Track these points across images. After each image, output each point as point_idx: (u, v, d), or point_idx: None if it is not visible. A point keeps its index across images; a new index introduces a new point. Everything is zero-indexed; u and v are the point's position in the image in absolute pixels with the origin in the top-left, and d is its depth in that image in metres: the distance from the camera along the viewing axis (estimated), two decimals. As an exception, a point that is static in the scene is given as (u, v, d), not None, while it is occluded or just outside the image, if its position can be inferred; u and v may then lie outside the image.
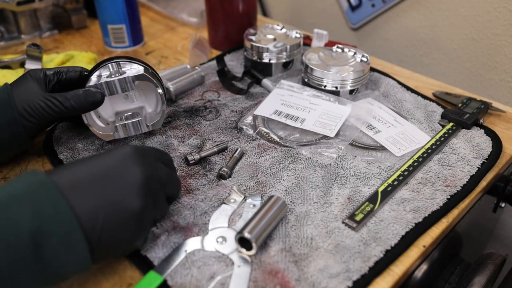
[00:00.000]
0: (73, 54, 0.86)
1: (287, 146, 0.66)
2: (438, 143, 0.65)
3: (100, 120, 0.64)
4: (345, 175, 0.61)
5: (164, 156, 0.52)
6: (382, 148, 0.66)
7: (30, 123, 0.58)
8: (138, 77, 0.63)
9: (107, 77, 0.62)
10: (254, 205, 0.56)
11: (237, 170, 0.62)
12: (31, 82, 0.60)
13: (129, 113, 0.66)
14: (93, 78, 0.62)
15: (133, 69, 0.63)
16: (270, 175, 0.61)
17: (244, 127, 0.69)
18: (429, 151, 0.64)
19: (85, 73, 0.64)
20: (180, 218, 0.54)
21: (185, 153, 0.65)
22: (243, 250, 0.49)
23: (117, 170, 0.45)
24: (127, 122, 0.65)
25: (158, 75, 0.67)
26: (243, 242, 0.49)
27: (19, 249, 0.38)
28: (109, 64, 0.63)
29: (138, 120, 0.65)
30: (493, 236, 0.98)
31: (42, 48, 0.82)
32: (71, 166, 0.46)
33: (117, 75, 0.62)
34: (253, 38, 0.83)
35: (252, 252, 0.49)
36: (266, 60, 0.82)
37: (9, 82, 0.78)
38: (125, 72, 0.63)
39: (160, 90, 0.64)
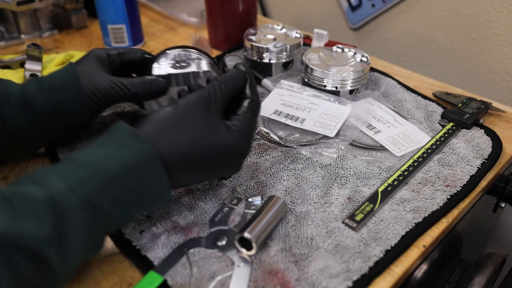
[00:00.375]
0: (73, 54, 0.86)
1: (287, 146, 0.66)
2: (438, 143, 0.65)
3: (156, 105, 0.66)
4: (345, 175, 0.61)
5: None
6: (382, 148, 0.66)
7: (95, 105, 0.58)
8: (205, 73, 0.63)
9: (171, 66, 0.62)
10: (254, 205, 0.56)
11: (237, 170, 0.62)
12: (96, 63, 0.60)
13: None
14: (159, 65, 0.62)
15: (198, 62, 0.63)
16: (270, 175, 0.61)
17: (244, 127, 0.69)
18: (429, 151, 0.64)
19: (146, 55, 0.65)
20: (180, 218, 0.55)
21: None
22: (243, 250, 0.49)
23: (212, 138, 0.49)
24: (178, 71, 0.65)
25: (217, 64, 0.67)
26: (243, 242, 0.49)
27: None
28: (175, 53, 0.63)
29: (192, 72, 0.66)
30: (493, 236, 0.98)
31: (42, 48, 0.82)
32: (170, 132, 0.47)
33: (182, 64, 0.63)
34: (253, 38, 0.83)
35: (252, 252, 0.49)
36: (266, 60, 0.82)
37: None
38: (190, 65, 0.63)
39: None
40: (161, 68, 0.63)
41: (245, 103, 0.53)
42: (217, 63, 0.66)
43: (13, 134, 0.56)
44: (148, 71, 0.63)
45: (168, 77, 0.62)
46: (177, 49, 0.64)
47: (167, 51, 0.64)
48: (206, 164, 0.49)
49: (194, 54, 0.64)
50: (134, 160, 0.44)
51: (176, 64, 0.63)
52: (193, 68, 0.63)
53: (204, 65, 0.63)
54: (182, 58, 0.63)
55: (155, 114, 0.48)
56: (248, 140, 0.52)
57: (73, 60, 0.85)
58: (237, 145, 0.50)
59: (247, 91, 0.54)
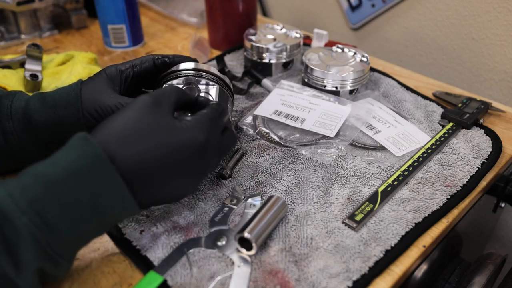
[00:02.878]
0: (73, 54, 0.86)
1: (287, 146, 0.66)
2: (438, 143, 0.65)
3: None
4: (345, 175, 0.61)
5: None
6: (382, 148, 0.66)
7: (97, 122, 0.57)
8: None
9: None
10: (254, 205, 0.56)
11: (237, 170, 0.62)
12: (105, 81, 0.59)
13: None
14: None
15: (207, 90, 0.60)
16: (270, 175, 0.61)
17: (244, 127, 0.69)
18: (429, 151, 0.64)
19: (158, 58, 0.62)
20: (180, 218, 0.55)
21: (185, 153, 0.64)
22: (243, 250, 0.49)
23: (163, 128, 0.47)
24: None
25: (231, 90, 0.64)
26: (243, 242, 0.49)
27: (80, 214, 0.42)
28: (187, 74, 0.60)
29: None
30: (493, 236, 0.98)
31: (42, 48, 0.82)
32: (117, 126, 0.45)
33: (189, 88, 0.59)
34: (253, 38, 0.83)
35: (252, 252, 0.49)
36: (266, 60, 0.82)
37: (9, 82, 0.78)
38: (200, 93, 0.59)
39: (230, 118, 0.61)
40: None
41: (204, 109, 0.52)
42: (230, 86, 0.63)
43: (14, 149, 0.57)
44: (159, 74, 0.62)
45: None
46: (190, 70, 0.60)
47: (180, 71, 0.60)
48: (167, 161, 0.46)
49: (205, 79, 0.60)
50: (80, 162, 0.42)
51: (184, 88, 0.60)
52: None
53: (212, 95, 0.60)
54: (192, 83, 0.59)
55: (109, 117, 0.47)
56: (205, 129, 0.48)
57: (73, 60, 0.85)
58: (190, 133, 0.47)
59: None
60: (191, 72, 0.60)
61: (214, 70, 0.61)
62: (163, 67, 0.62)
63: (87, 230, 0.43)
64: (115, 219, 0.45)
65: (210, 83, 0.60)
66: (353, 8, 1.07)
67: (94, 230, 0.44)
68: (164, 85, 0.60)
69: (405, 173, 0.60)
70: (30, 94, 0.60)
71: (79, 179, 0.41)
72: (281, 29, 0.87)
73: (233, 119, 0.72)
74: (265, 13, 1.28)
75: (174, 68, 0.61)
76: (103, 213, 0.43)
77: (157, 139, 0.46)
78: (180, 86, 0.59)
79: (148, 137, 0.45)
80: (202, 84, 0.60)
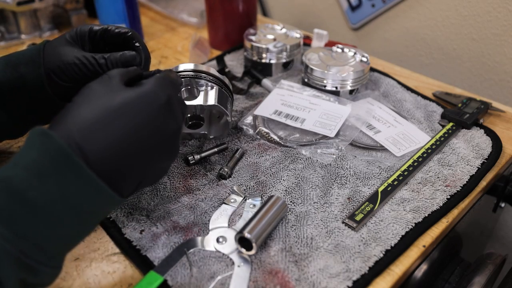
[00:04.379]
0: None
1: (287, 146, 0.66)
2: (438, 143, 0.65)
3: None
4: (345, 175, 0.61)
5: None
6: (382, 148, 0.66)
7: (61, 81, 0.54)
8: (210, 107, 0.60)
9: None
10: (254, 205, 0.56)
11: (237, 170, 0.62)
12: (73, 39, 0.56)
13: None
14: None
15: (206, 92, 0.59)
16: (270, 175, 0.61)
17: (244, 127, 0.69)
18: (429, 151, 0.64)
19: (130, 34, 0.57)
20: (180, 218, 0.55)
21: (186, 153, 0.65)
22: (243, 250, 0.49)
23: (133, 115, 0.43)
24: (191, 131, 0.64)
25: (231, 90, 0.63)
26: (243, 242, 0.49)
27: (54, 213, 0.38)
28: (183, 78, 0.59)
29: (203, 133, 0.65)
30: (493, 236, 0.98)
31: (42, 48, 0.82)
32: (76, 115, 0.42)
33: (190, 93, 0.59)
34: (253, 38, 0.83)
35: (252, 252, 0.49)
36: (266, 60, 0.82)
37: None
38: (198, 95, 0.59)
39: (229, 118, 0.61)
40: None
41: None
42: (229, 86, 0.63)
43: None
44: (129, 46, 0.59)
45: None
46: (189, 71, 0.60)
47: (178, 72, 0.60)
48: (137, 131, 0.43)
49: (204, 80, 0.60)
50: (42, 160, 0.38)
51: (184, 93, 0.60)
52: (199, 100, 0.60)
53: (211, 98, 0.59)
54: (191, 84, 0.59)
55: (64, 108, 0.44)
56: (161, 85, 0.46)
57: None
58: (149, 92, 0.44)
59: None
60: (190, 73, 0.60)
61: (213, 71, 0.61)
62: (132, 41, 0.57)
63: (69, 233, 0.40)
64: (97, 215, 0.42)
65: (209, 84, 0.60)
66: (353, 8, 1.07)
67: (77, 231, 0.41)
68: None
69: (405, 173, 0.60)
70: None
71: (44, 179, 0.38)
72: (281, 29, 0.87)
73: (233, 119, 0.72)
74: (265, 13, 1.28)
75: (173, 68, 0.61)
76: (80, 211, 0.39)
77: (120, 112, 0.42)
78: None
79: (112, 115, 0.42)
80: (201, 85, 0.60)
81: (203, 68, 0.61)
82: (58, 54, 0.54)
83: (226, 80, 0.63)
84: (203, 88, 0.60)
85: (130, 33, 0.57)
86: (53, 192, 0.38)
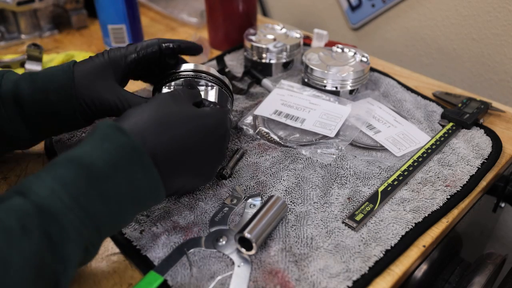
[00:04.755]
0: (73, 54, 0.86)
1: (287, 146, 0.66)
2: (438, 143, 0.65)
3: None
4: (345, 175, 0.61)
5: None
6: (382, 148, 0.66)
7: (91, 112, 0.55)
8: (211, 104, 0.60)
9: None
10: (254, 205, 0.56)
11: (237, 170, 0.62)
12: (106, 68, 0.55)
13: None
14: (168, 90, 0.59)
15: (207, 91, 0.60)
16: (270, 175, 0.61)
17: (244, 127, 0.69)
18: (429, 151, 0.64)
19: (164, 44, 0.60)
20: (180, 218, 0.55)
21: (185, 153, 0.64)
22: (243, 250, 0.49)
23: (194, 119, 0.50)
24: None
25: (231, 90, 0.64)
26: (243, 242, 0.49)
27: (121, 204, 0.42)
28: (184, 78, 0.59)
29: None
30: (493, 236, 0.98)
31: (42, 48, 0.82)
32: (146, 117, 0.47)
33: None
34: (253, 38, 0.83)
35: (252, 252, 0.49)
36: (266, 60, 0.82)
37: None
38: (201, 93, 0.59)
39: (230, 116, 0.61)
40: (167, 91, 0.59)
41: None
42: (229, 86, 0.63)
43: (7, 132, 0.54)
44: (164, 62, 0.61)
45: None
46: (190, 71, 0.60)
47: (179, 73, 0.60)
48: (195, 146, 0.49)
49: (204, 80, 0.60)
50: (117, 153, 0.42)
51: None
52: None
53: (212, 96, 0.60)
54: (191, 84, 0.59)
55: (133, 109, 0.48)
56: (226, 116, 0.54)
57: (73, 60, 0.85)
58: (215, 117, 0.51)
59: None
60: (191, 73, 0.60)
61: (214, 71, 0.61)
62: (168, 52, 0.60)
63: (122, 221, 0.44)
64: (145, 208, 0.47)
65: (209, 84, 0.60)
66: (353, 8, 1.07)
67: (126, 220, 0.45)
68: (164, 87, 0.60)
69: (405, 173, 0.60)
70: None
71: (119, 172, 0.41)
72: (281, 29, 0.87)
73: (233, 119, 0.72)
74: (265, 13, 1.28)
75: (174, 70, 0.61)
76: (138, 204, 0.44)
77: (186, 125, 0.48)
78: (179, 87, 0.59)
79: (180, 125, 0.48)
80: (202, 85, 0.60)
81: (203, 68, 0.61)
82: (92, 87, 0.54)
83: (226, 80, 0.63)
84: (203, 88, 0.60)
85: (162, 46, 0.60)
86: (123, 185, 0.42)
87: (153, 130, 0.46)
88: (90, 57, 0.57)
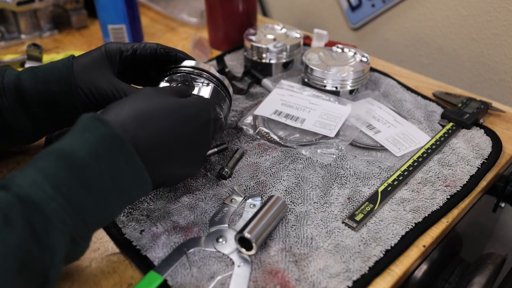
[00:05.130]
0: (73, 54, 0.86)
1: (287, 146, 0.66)
2: (438, 143, 0.65)
3: None
4: (345, 175, 0.61)
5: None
6: (382, 148, 0.66)
7: (90, 102, 0.56)
8: None
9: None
10: (254, 205, 0.56)
11: (237, 170, 0.62)
12: (103, 60, 0.57)
13: None
14: (163, 84, 0.60)
15: (201, 89, 0.60)
16: (270, 175, 0.61)
17: (244, 127, 0.69)
18: (429, 151, 0.64)
19: (162, 49, 0.61)
20: (180, 218, 0.55)
21: (185, 153, 0.64)
22: (243, 250, 0.49)
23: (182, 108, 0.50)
24: None
25: (229, 91, 0.63)
26: (243, 242, 0.49)
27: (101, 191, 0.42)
28: (182, 73, 0.60)
29: None
30: (493, 236, 0.98)
31: (42, 48, 0.82)
32: (129, 108, 0.47)
33: (185, 85, 0.60)
34: (253, 38, 0.83)
35: (252, 252, 0.49)
36: (266, 60, 0.82)
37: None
38: (193, 90, 0.60)
39: (222, 118, 0.60)
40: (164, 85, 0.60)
41: None
42: (227, 87, 0.63)
43: (11, 126, 0.56)
44: (158, 65, 0.61)
45: None
46: (189, 67, 0.60)
47: (178, 67, 0.60)
48: (179, 136, 0.49)
49: (202, 78, 0.60)
50: (97, 142, 0.42)
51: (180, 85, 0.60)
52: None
53: (206, 93, 0.60)
54: (188, 80, 0.60)
55: (115, 102, 0.49)
56: (209, 105, 0.54)
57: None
58: (198, 107, 0.51)
59: None
60: (189, 69, 0.60)
61: (213, 70, 0.61)
62: (164, 58, 0.61)
63: (109, 212, 0.44)
64: (132, 199, 0.46)
65: (206, 81, 0.60)
66: (353, 8, 1.07)
67: (113, 211, 0.45)
68: (162, 81, 0.61)
69: (405, 173, 0.60)
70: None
71: (100, 160, 0.41)
72: (281, 29, 0.87)
73: (233, 119, 0.72)
74: (265, 13, 1.28)
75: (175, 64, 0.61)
76: (123, 193, 0.44)
77: (167, 114, 0.48)
78: (176, 82, 0.60)
79: (161, 115, 0.48)
80: (198, 82, 0.60)
81: (203, 66, 0.61)
82: (90, 77, 0.56)
83: (226, 81, 0.62)
84: (199, 85, 0.60)
85: (160, 50, 0.61)
86: (105, 174, 0.42)
87: (134, 120, 0.46)
88: (86, 52, 0.59)
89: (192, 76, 0.60)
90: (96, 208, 0.42)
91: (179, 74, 0.60)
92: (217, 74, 0.61)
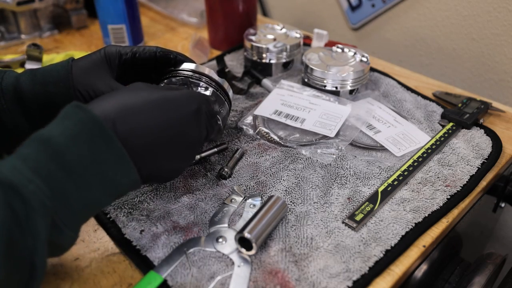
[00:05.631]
0: (73, 54, 0.86)
1: (287, 146, 0.66)
2: (438, 143, 0.65)
3: None
4: (345, 175, 0.61)
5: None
6: (382, 148, 0.66)
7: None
8: None
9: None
10: (254, 205, 0.56)
11: (237, 170, 0.62)
12: (100, 62, 0.58)
13: None
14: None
15: (201, 91, 0.60)
16: (270, 175, 0.61)
17: (244, 127, 0.69)
18: (429, 151, 0.64)
19: (161, 52, 0.61)
20: (180, 218, 0.55)
21: (185, 153, 0.64)
22: (243, 250, 0.49)
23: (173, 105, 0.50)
24: None
25: (228, 95, 0.63)
26: (243, 242, 0.49)
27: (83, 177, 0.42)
28: (181, 77, 0.60)
29: None
30: (493, 236, 0.98)
31: (42, 48, 0.82)
32: (114, 100, 0.47)
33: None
34: (253, 38, 0.83)
35: (252, 252, 0.49)
36: (266, 60, 0.82)
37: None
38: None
39: (219, 122, 0.60)
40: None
41: None
42: (227, 91, 0.62)
43: (8, 126, 0.55)
44: (158, 67, 0.61)
45: None
46: (189, 71, 0.60)
47: (178, 71, 0.60)
48: (165, 128, 0.48)
49: (201, 82, 0.60)
50: (76, 127, 0.42)
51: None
52: None
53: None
54: (187, 84, 0.60)
55: (102, 95, 0.49)
56: (196, 97, 0.52)
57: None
58: (184, 99, 0.50)
59: None
60: (189, 73, 0.60)
61: (213, 73, 0.61)
62: (164, 61, 0.61)
63: (93, 198, 0.43)
64: (118, 187, 0.45)
65: (205, 85, 0.60)
66: (353, 8, 1.07)
67: (99, 198, 0.44)
68: (161, 84, 0.60)
69: (405, 173, 0.60)
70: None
71: (80, 144, 0.41)
72: (281, 29, 0.87)
73: (233, 119, 0.72)
74: (265, 13, 1.28)
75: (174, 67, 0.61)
76: (105, 178, 0.43)
77: (152, 104, 0.48)
78: (175, 85, 0.59)
79: (145, 106, 0.47)
80: (196, 86, 0.60)
81: (203, 70, 0.61)
82: (88, 80, 0.56)
83: (226, 85, 0.62)
84: (198, 89, 0.60)
85: (160, 53, 0.61)
86: (85, 157, 0.41)
87: (115, 108, 0.46)
88: (86, 55, 0.59)
89: (191, 80, 0.60)
90: (78, 192, 0.41)
91: (178, 78, 0.60)
92: (217, 78, 0.61)
